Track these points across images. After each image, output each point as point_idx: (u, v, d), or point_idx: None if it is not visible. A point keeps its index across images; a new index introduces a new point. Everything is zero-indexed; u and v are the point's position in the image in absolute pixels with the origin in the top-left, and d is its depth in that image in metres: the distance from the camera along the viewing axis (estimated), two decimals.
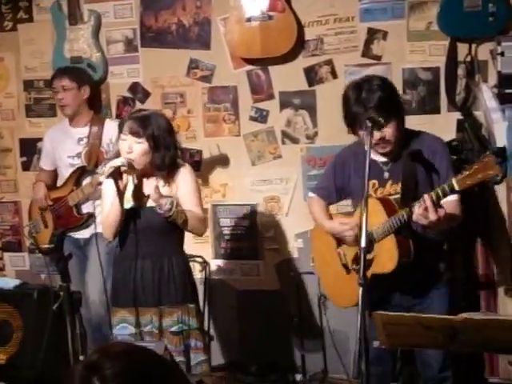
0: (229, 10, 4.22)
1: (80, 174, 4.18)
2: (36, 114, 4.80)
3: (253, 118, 4.37)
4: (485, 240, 3.85)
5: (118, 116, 4.53)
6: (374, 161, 3.02)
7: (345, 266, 3.24)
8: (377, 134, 2.93)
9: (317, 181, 3.70)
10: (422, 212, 2.79)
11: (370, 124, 2.85)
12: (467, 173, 2.68)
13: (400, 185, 3.06)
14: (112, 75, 4.58)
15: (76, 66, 4.46)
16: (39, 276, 4.76)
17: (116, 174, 3.18)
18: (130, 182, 3.28)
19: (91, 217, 4.02)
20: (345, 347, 4.01)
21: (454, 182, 2.73)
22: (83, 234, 4.20)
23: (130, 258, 3.33)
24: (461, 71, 3.92)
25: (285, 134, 4.32)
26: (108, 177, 3.19)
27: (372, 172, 2.80)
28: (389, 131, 2.99)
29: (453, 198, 2.91)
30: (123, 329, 3.34)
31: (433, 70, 4.00)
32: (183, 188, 3.34)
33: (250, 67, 4.32)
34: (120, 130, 3.29)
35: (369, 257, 2.83)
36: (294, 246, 4.35)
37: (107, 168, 3.19)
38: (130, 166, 3.21)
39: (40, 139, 4.50)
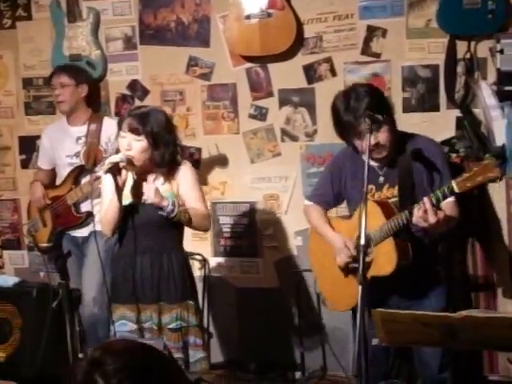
0: (228, 7, 4.22)
1: (79, 172, 4.17)
2: (35, 111, 4.80)
3: (252, 116, 4.36)
4: (483, 241, 3.84)
5: (117, 113, 4.53)
6: (369, 166, 3.00)
7: (342, 269, 3.22)
8: (371, 140, 2.88)
9: (316, 180, 3.68)
10: (422, 214, 2.78)
11: (369, 121, 2.84)
12: (467, 175, 2.68)
13: (397, 188, 3.06)
14: (111, 73, 4.58)
15: (75, 64, 4.46)
16: (38, 274, 4.76)
17: (115, 170, 3.18)
18: (129, 178, 3.28)
19: (90, 216, 3.98)
20: (344, 345, 4.01)
21: (453, 184, 2.72)
22: (82, 233, 4.19)
23: (130, 254, 3.33)
24: (460, 69, 3.91)
25: (284, 132, 4.31)
26: (107, 172, 3.19)
27: (368, 177, 2.76)
28: (382, 136, 2.98)
29: (450, 199, 2.89)
30: (123, 325, 3.34)
31: (432, 67, 3.99)
32: (184, 185, 3.34)
33: (249, 65, 4.31)
34: (119, 128, 3.29)
35: (367, 259, 2.81)
36: (294, 243, 4.34)
37: (106, 163, 3.19)
38: (129, 162, 3.21)
39: (39, 137, 4.48)
